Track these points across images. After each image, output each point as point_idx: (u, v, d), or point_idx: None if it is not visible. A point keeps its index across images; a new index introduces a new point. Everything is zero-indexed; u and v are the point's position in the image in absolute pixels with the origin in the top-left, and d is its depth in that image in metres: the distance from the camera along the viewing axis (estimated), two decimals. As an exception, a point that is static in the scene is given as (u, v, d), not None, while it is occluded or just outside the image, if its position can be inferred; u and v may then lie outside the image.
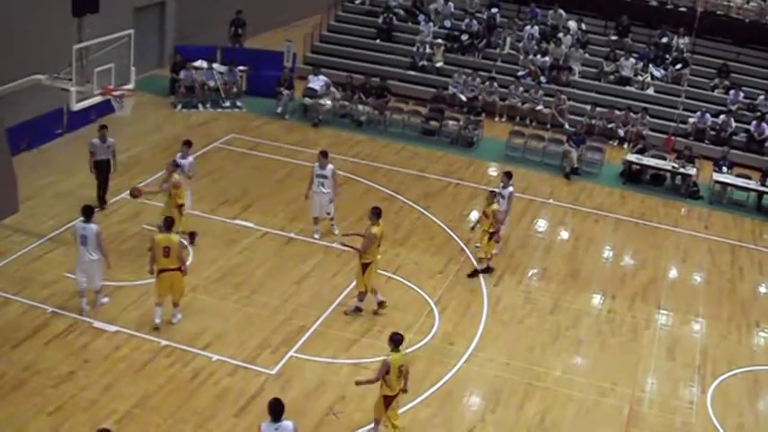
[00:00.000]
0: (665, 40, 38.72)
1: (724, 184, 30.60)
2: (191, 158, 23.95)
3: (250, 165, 28.75)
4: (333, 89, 34.16)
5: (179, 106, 33.26)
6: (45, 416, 16.58)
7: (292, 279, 22.26)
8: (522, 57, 38.03)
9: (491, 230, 22.84)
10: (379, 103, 34.01)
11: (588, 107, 34.91)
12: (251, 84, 35.26)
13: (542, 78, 36.85)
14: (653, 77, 37.22)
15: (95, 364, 18.15)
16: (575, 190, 29.94)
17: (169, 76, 34.30)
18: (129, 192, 23.33)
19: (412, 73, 37.86)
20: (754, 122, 34.29)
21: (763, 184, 30.12)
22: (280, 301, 21.19)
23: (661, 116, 35.26)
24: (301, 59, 38.27)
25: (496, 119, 35.64)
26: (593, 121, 34.43)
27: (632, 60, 37.45)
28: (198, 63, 34.05)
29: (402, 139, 32.75)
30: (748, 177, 30.91)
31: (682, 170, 30.59)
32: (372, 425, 17.04)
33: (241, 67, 34.85)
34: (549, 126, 34.63)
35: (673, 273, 25.37)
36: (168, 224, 19.37)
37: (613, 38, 39.25)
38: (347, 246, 21.48)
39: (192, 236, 23.35)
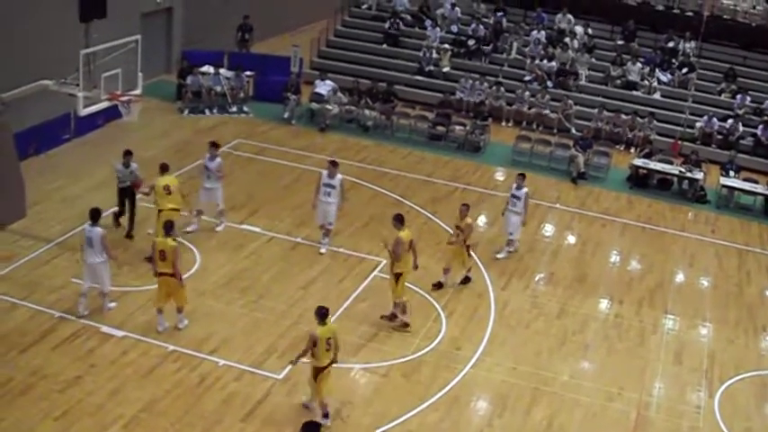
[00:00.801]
0: (671, 44, 38.72)
1: (731, 189, 30.58)
2: (219, 159, 24.22)
3: (257, 170, 28.77)
4: (339, 94, 34.17)
5: (186, 111, 33.31)
6: (52, 420, 16.59)
7: (299, 284, 22.26)
8: (528, 61, 38.04)
9: (467, 243, 22.44)
10: (386, 108, 34.02)
11: (595, 110, 34.90)
12: (258, 89, 35.31)
13: (549, 83, 36.86)
14: (660, 82, 37.19)
15: (102, 369, 18.16)
16: (581, 194, 29.93)
17: (176, 82, 34.35)
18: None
19: (419, 78, 37.89)
20: (761, 126, 34.26)
21: (770, 189, 30.15)
22: (286, 306, 21.20)
23: (668, 120, 35.21)
24: (308, 64, 38.31)
25: (503, 124, 35.65)
26: (600, 125, 34.42)
27: (639, 65, 37.43)
28: (205, 68, 34.09)
29: (409, 143, 32.76)
30: (755, 181, 30.91)
31: (689, 174, 30.56)
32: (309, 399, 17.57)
33: (248, 72, 34.89)
34: (555, 131, 34.62)
35: (680, 277, 25.35)
36: (167, 228, 19.49)
37: (620, 42, 39.23)
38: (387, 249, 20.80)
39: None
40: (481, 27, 39.48)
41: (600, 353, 20.99)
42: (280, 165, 29.33)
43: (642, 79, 37.18)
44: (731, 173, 31.16)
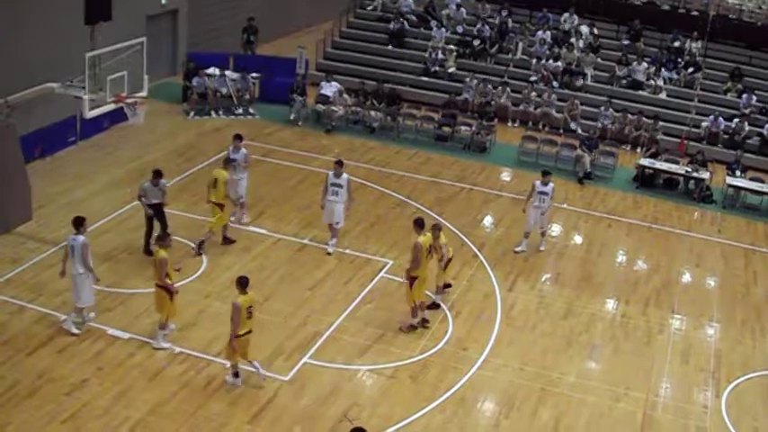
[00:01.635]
0: (677, 44, 38.72)
1: (737, 188, 30.54)
2: (244, 150, 24.63)
3: (263, 171, 28.77)
4: (345, 95, 34.19)
5: (192, 113, 33.33)
6: (58, 423, 16.61)
7: (306, 285, 22.27)
8: (534, 62, 38.03)
9: (442, 261, 21.68)
10: (392, 110, 34.03)
11: (602, 107, 34.87)
12: (263, 90, 35.35)
13: (555, 83, 36.84)
14: (665, 81, 37.16)
15: (109, 372, 18.18)
16: (588, 195, 29.91)
17: (182, 84, 34.38)
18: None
19: (424, 79, 37.92)
20: (767, 126, 34.22)
21: (776, 188, 30.11)
22: (293, 308, 21.21)
23: (674, 120, 35.21)
24: (314, 66, 38.34)
25: (509, 124, 35.65)
26: (607, 123, 34.38)
27: (644, 64, 37.42)
28: (210, 70, 34.11)
29: (415, 144, 32.77)
30: (762, 181, 30.84)
31: (695, 174, 30.52)
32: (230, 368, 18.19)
33: (254, 74, 34.91)
34: (561, 131, 34.60)
35: (686, 277, 25.31)
36: (158, 238, 19.52)
37: (625, 42, 39.24)
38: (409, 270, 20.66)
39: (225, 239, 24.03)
40: (486, 27, 39.50)
41: (606, 353, 20.97)
42: (286, 166, 29.35)
43: (648, 79, 37.17)
44: (737, 172, 31.12)
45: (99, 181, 26.78)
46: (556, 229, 26.90)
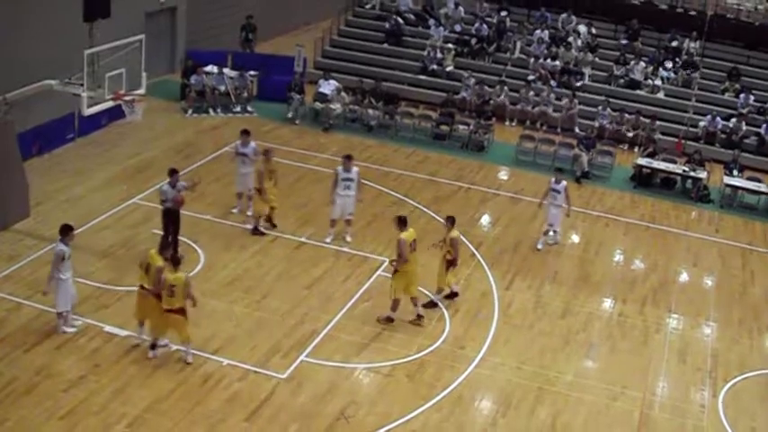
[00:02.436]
0: (675, 43, 38.74)
1: (735, 188, 30.58)
2: (253, 144, 24.89)
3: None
4: (343, 94, 34.19)
5: (190, 111, 33.32)
6: (56, 420, 16.61)
7: (303, 283, 22.27)
8: (532, 61, 38.04)
9: (449, 258, 21.75)
10: (390, 108, 34.04)
11: (600, 107, 34.89)
12: (261, 88, 35.33)
13: (552, 82, 36.85)
14: (663, 81, 37.18)
15: (106, 369, 18.18)
16: (585, 194, 29.92)
17: (180, 81, 34.37)
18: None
19: (422, 77, 37.91)
20: (764, 125, 34.27)
21: (774, 188, 30.15)
22: (290, 306, 21.21)
23: (671, 120, 35.25)
24: (312, 64, 38.35)
25: (506, 123, 35.65)
26: (605, 122, 34.39)
27: (642, 64, 37.44)
28: (209, 68, 34.11)
29: (412, 143, 32.78)
30: (759, 181, 30.89)
31: (692, 174, 30.56)
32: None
33: (252, 72, 34.91)
34: (559, 130, 34.62)
35: (683, 276, 25.33)
36: (161, 245, 19.09)
37: (623, 41, 39.25)
38: (393, 261, 20.89)
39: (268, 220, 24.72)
40: (485, 26, 39.52)
41: (603, 352, 20.98)
42: (283, 164, 29.22)
43: (645, 78, 37.18)
44: (735, 172, 31.13)
45: (97, 178, 26.78)
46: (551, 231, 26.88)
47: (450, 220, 21.65)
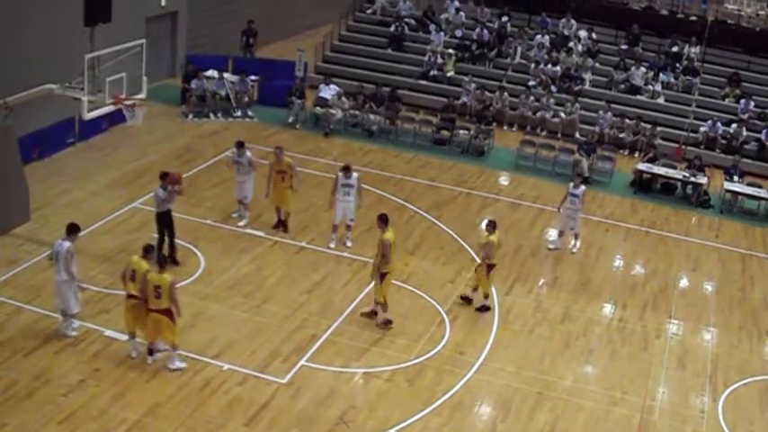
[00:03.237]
0: (675, 49, 38.77)
1: (735, 193, 30.58)
2: (248, 154, 24.81)
3: (260, 174, 28.70)
4: (344, 98, 34.20)
5: (190, 116, 33.32)
6: (56, 424, 16.60)
7: (303, 288, 22.27)
8: (532, 66, 38.06)
9: (489, 262, 21.96)
10: (390, 113, 34.05)
11: (600, 112, 34.88)
12: (262, 93, 35.35)
13: (553, 88, 36.86)
14: (663, 86, 37.20)
15: (106, 373, 18.17)
16: (585, 199, 29.82)
17: (181, 86, 34.38)
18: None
19: (423, 82, 37.93)
20: (764, 131, 34.30)
21: (774, 193, 30.16)
22: (290, 310, 21.21)
23: (672, 125, 35.25)
24: (313, 69, 38.36)
25: (505, 127, 35.64)
26: (605, 126, 34.36)
27: (643, 69, 37.47)
28: (209, 72, 34.12)
29: (413, 148, 32.78)
30: (759, 186, 30.90)
31: (692, 179, 30.56)
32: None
33: (252, 77, 34.91)
34: (559, 135, 34.63)
35: (683, 282, 25.33)
36: (144, 249, 18.62)
37: (624, 47, 39.30)
38: (377, 265, 20.93)
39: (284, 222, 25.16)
40: (485, 31, 39.57)
41: (603, 357, 20.98)
42: (284, 169, 29.34)
43: (646, 84, 37.22)
44: (735, 177, 31.14)
45: (97, 182, 26.78)
46: (553, 234, 26.87)
47: (492, 225, 22.05)
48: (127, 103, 23.47)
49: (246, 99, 34.33)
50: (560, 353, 20.85)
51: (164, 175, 22.21)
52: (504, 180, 31.13)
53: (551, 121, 35.34)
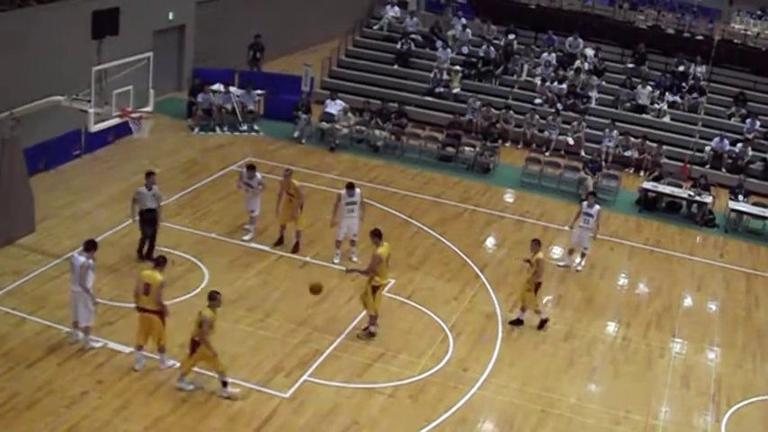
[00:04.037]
0: (681, 68, 38.83)
1: (740, 213, 30.55)
2: (258, 175, 24.90)
3: (271, 189, 28.74)
4: (350, 114, 34.23)
5: (196, 129, 33.36)
6: (58, 436, 16.64)
7: (307, 303, 22.23)
8: (538, 83, 38.10)
9: (537, 281, 22.14)
10: (396, 129, 34.08)
11: (606, 130, 34.88)
12: (268, 108, 35.39)
13: (559, 106, 36.86)
14: (669, 105, 37.21)
15: (109, 385, 18.17)
16: (600, 219, 29.88)
17: (187, 99, 34.43)
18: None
19: (429, 99, 37.97)
20: (770, 151, 34.31)
21: (779, 213, 30.13)
22: (294, 325, 21.20)
23: (677, 144, 35.26)
24: (319, 84, 38.41)
25: (508, 144, 35.61)
26: (610, 145, 34.34)
27: (649, 88, 37.50)
28: (216, 86, 34.18)
29: (418, 164, 32.79)
30: (764, 206, 30.84)
31: (698, 198, 30.55)
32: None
33: (259, 91, 34.96)
34: (564, 153, 34.63)
35: (687, 301, 25.30)
36: (157, 261, 18.84)
37: (630, 65, 39.35)
38: (355, 270, 21.76)
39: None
40: (492, 49, 39.62)
41: (607, 376, 20.96)
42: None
43: (652, 103, 37.25)
44: (740, 197, 31.11)
45: (102, 194, 26.80)
46: (558, 252, 26.87)
47: (537, 243, 22.11)
48: (133, 115, 23.55)
49: (252, 113, 34.25)
50: (564, 370, 20.82)
51: (148, 174, 22.80)
52: (509, 197, 31.12)
53: (558, 139, 35.24)
